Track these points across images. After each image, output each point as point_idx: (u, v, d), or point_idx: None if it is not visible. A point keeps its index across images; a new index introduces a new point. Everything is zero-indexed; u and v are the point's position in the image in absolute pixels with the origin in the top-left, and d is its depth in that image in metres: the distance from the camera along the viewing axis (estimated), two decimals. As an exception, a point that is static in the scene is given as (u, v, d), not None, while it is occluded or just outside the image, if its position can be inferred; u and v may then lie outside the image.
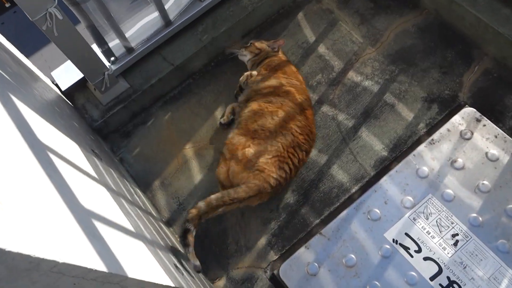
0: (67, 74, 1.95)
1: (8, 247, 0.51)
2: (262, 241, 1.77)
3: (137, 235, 1.20)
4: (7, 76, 1.22)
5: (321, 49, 2.13)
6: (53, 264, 0.60)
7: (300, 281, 1.65)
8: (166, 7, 1.89)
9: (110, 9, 1.70)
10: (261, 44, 1.99)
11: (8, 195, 0.62)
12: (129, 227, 1.18)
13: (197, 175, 1.92)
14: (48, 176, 0.89)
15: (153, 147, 1.99)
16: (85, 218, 0.90)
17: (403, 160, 1.82)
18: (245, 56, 2.01)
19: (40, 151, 0.98)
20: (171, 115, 2.05)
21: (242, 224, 1.82)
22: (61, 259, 0.62)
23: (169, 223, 1.85)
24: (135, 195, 1.68)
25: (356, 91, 2.01)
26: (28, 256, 0.55)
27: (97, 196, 1.13)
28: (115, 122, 2.00)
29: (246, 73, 1.93)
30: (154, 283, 1.01)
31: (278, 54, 2.00)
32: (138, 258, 1.04)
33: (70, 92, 1.96)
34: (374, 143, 1.90)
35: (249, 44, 2.01)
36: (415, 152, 1.82)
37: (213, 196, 1.64)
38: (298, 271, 1.67)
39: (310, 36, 2.16)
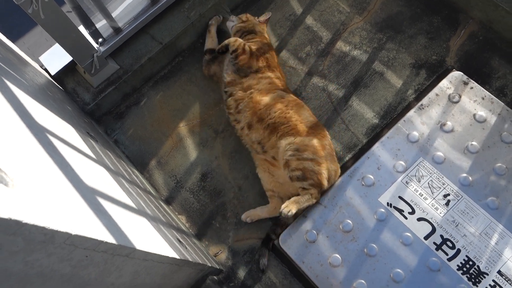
0: (55, 58, 1.93)
1: (25, 219, 0.53)
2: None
3: (140, 211, 1.23)
4: (-2, 61, 1.22)
5: (309, 20, 2.13)
6: (66, 236, 0.63)
7: (300, 248, 1.70)
8: (151, -16, 1.87)
9: (95, -11, 1.68)
10: (247, 17, 2.00)
11: (18, 173, 0.64)
12: (131, 204, 1.21)
13: (193, 153, 1.95)
14: (50, 156, 0.91)
15: (147, 127, 2.01)
16: (89, 195, 0.92)
17: (394, 126, 1.85)
18: (232, 22, 2.00)
19: (39, 132, 0.99)
20: (163, 94, 2.06)
21: (240, 197, 1.86)
22: (73, 231, 0.64)
23: (168, 201, 1.88)
24: (133, 175, 1.70)
25: (345, 61, 2.03)
26: (43, 228, 0.57)
27: (97, 176, 1.15)
28: (107, 104, 2.00)
29: (239, 41, 1.87)
30: (160, 255, 1.04)
31: (264, 32, 1.99)
32: (143, 233, 1.07)
33: (59, 77, 1.95)
34: (365, 112, 1.93)
35: (237, 18, 2.01)
36: (405, 118, 1.86)
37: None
38: (297, 239, 1.72)
39: (297, 8, 2.16)
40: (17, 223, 0.52)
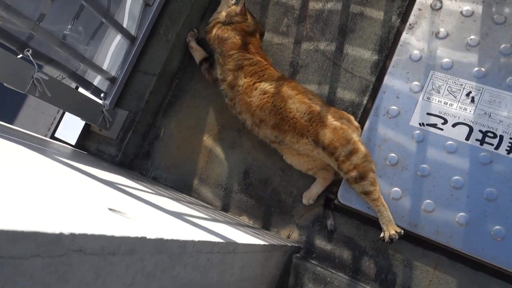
0: (69, 129, 2.02)
1: (166, 236, 0.61)
2: (311, 182, 1.89)
3: (215, 219, 1.31)
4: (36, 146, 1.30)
5: (274, -4, 2.20)
6: (193, 243, 0.71)
7: (359, 197, 1.77)
8: (125, 25, 1.94)
9: (80, 51, 1.76)
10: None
11: (129, 211, 0.72)
12: (206, 215, 1.29)
13: (226, 158, 2.03)
14: (136, 198, 0.99)
15: (175, 153, 2.09)
16: (177, 215, 1.00)
17: (394, 54, 1.92)
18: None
19: (114, 184, 1.07)
20: (176, 119, 2.14)
21: (287, 178, 1.94)
22: (196, 238, 0.72)
23: (224, 208, 1.97)
24: (187, 199, 1.79)
25: (323, 17, 2.10)
26: (178, 240, 0.65)
27: (169, 203, 1.23)
28: (132, 149, 2.08)
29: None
30: (254, 244, 1.12)
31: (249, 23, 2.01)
32: (230, 233, 1.15)
33: (80, 143, 2.04)
34: (362, 53, 2.00)
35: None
36: (400, 42, 1.92)
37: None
38: (354, 191, 1.79)
39: (259, -11, 2.23)
40: (161, 241, 0.60)
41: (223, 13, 2.04)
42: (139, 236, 0.56)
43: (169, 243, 0.63)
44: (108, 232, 0.50)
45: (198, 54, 2.11)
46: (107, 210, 0.66)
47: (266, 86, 1.80)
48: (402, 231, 1.63)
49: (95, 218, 0.57)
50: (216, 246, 0.83)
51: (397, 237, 1.62)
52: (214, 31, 1.96)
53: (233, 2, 2.12)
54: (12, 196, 0.54)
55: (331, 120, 1.74)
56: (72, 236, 0.45)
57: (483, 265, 1.64)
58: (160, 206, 1.01)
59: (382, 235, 1.65)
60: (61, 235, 0.44)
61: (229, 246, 0.91)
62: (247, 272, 1.13)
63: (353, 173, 1.68)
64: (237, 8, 1.98)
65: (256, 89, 1.80)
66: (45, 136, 2.11)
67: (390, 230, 1.63)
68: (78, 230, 0.46)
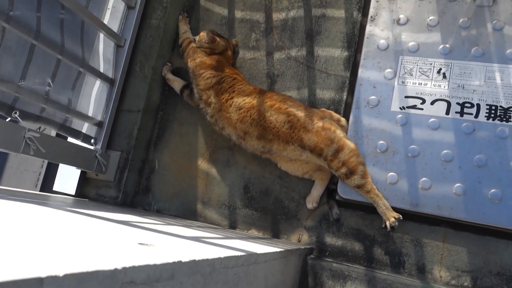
0: (65, 180, 2.05)
1: (197, 258, 0.66)
2: (311, 184, 1.95)
3: (228, 236, 1.35)
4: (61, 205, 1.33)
5: (238, 14, 2.27)
6: (220, 260, 0.76)
7: (359, 188, 1.84)
8: (101, 70, 1.99)
9: (64, 103, 1.80)
10: (198, 36, 2.10)
11: (153, 242, 0.77)
12: (219, 235, 1.34)
13: (224, 177, 2.07)
14: (156, 231, 1.03)
15: (174, 183, 2.13)
16: (195, 239, 1.05)
17: (363, 47, 2.00)
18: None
19: (133, 223, 1.11)
20: (168, 149, 2.18)
21: (286, 184, 1.99)
22: (221, 255, 0.77)
23: (232, 226, 2.01)
24: (195, 224, 1.83)
25: (289, 25, 2.18)
26: (207, 260, 0.70)
27: (183, 230, 1.27)
28: (130, 187, 2.11)
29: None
30: (273, 252, 1.17)
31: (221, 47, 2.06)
32: (248, 246, 1.20)
33: (80, 192, 2.06)
34: (332, 52, 2.08)
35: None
36: (366, 35, 2.01)
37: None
38: (352, 183, 1.85)
39: (222, 11, 2.30)
40: (194, 262, 0.65)
41: (188, 32, 2.17)
42: (176, 260, 0.61)
43: (200, 263, 0.68)
44: (151, 262, 0.55)
45: (176, 84, 2.17)
46: (138, 245, 0.70)
47: (239, 101, 1.86)
48: (400, 215, 1.70)
49: (134, 252, 0.62)
50: (240, 259, 0.88)
51: (397, 223, 1.69)
52: (187, 50, 2.07)
53: (188, 20, 2.24)
54: (64, 244, 0.59)
55: (312, 123, 1.79)
56: (124, 270, 0.49)
57: (488, 229, 1.71)
58: (176, 233, 1.05)
59: (383, 225, 1.73)
60: (115, 270, 0.48)
61: (251, 257, 0.96)
62: (270, 280, 1.18)
63: (343, 170, 1.74)
64: (206, 38, 2.02)
65: (230, 105, 1.86)
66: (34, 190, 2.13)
67: (390, 218, 1.70)
68: (127, 264, 0.50)
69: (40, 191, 4.08)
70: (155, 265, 0.55)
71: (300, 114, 1.81)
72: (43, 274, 0.39)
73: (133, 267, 0.50)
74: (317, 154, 1.76)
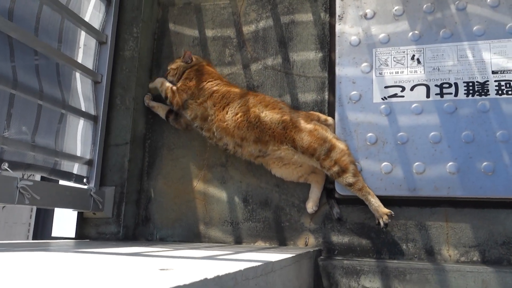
0: (63, 224, 2.02)
1: (220, 273, 0.67)
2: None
3: (239, 252, 1.36)
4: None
5: (209, 33, 2.30)
6: (241, 273, 0.77)
7: (356, 183, 1.86)
8: (83, 108, 1.99)
9: (51, 147, 1.79)
10: (175, 64, 2.11)
11: (171, 267, 0.77)
12: (230, 251, 1.34)
13: (222, 194, 2.08)
14: (173, 258, 1.03)
15: (173, 208, 2.12)
16: (209, 257, 1.05)
17: (336, 46, 2.05)
18: (172, 81, 2.12)
19: (145, 255, 1.11)
20: (161, 176, 2.18)
21: (284, 191, 2.00)
22: (241, 267, 0.78)
23: (238, 241, 2.01)
24: (203, 244, 1.82)
25: (260, 36, 2.22)
26: (229, 274, 0.71)
27: (191, 253, 1.27)
28: (130, 220, 2.10)
29: (165, 87, 2.08)
30: (286, 259, 1.18)
31: (196, 62, 2.10)
32: (261, 256, 1.20)
33: (79, 233, 2.04)
34: (307, 55, 2.12)
35: (168, 71, 2.13)
36: (337, 34, 2.06)
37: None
38: (348, 179, 1.87)
39: (193, 32, 2.33)
40: (218, 278, 0.65)
41: (165, 82, 2.12)
42: (202, 278, 0.61)
43: (224, 278, 0.68)
44: (180, 283, 0.55)
45: (161, 110, 2.17)
46: (159, 271, 0.70)
47: (235, 106, 1.89)
48: (392, 212, 1.74)
49: (159, 277, 0.62)
50: (258, 269, 0.88)
51: (389, 220, 1.73)
52: (175, 93, 2.03)
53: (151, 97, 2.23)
54: (95, 276, 0.59)
55: (304, 124, 1.83)
56: (158, 294, 0.50)
57: (487, 201, 1.75)
58: (188, 256, 1.05)
59: (377, 222, 1.77)
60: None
61: (267, 266, 0.96)
62: (288, 287, 1.18)
63: (335, 168, 1.77)
64: (183, 58, 2.06)
65: (227, 113, 1.89)
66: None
67: (383, 216, 1.74)
68: (159, 287, 0.51)
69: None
70: (185, 286, 0.55)
71: (291, 115, 1.86)
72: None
73: (167, 292, 0.51)
74: (309, 154, 1.79)
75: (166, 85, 2.09)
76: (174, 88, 2.05)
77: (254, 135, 1.85)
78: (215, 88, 1.97)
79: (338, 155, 1.78)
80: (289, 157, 1.85)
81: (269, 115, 1.85)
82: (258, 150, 1.87)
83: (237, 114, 1.87)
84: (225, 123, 1.88)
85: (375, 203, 1.76)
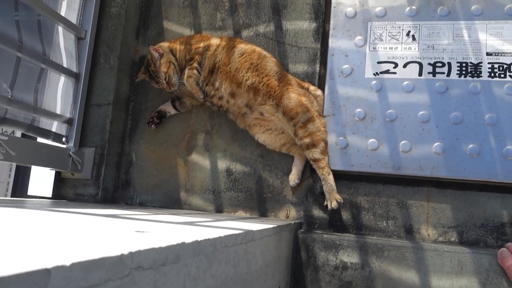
0: (41, 183, 1.97)
1: (199, 238, 0.63)
2: (292, 159, 1.94)
3: (219, 219, 1.33)
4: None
5: (201, -5, 2.21)
6: (220, 239, 0.74)
7: (341, 158, 1.84)
8: (65, 65, 1.90)
9: (29, 102, 1.71)
10: (164, 65, 1.91)
11: (148, 229, 0.74)
12: (211, 219, 1.31)
13: (205, 162, 2.04)
14: (151, 220, 1.00)
15: (154, 173, 2.08)
16: (189, 223, 1.02)
17: (330, 17, 1.99)
18: (176, 83, 1.95)
19: (127, 216, 1.07)
20: (143, 140, 2.12)
21: (269, 162, 1.98)
22: (222, 234, 0.75)
23: (218, 210, 1.99)
24: (183, 211, 1.79)
25: (253, 1, 2.14)
26: (209, 240, 0.68)
27: (171, 218, 1.24)
28: (109, 183, 2.05)
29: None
30: (267, 229, 1.16)
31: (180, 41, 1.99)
32: (242, 225, 1.18)
33: (57, 193, 1.99)
34: (300, 25, 2.06)
35: (165, 77, 1.91)
36: (333, 4, 2.00)
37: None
38: (334, 154, 1.86)
39: (184, -7, 2.23)
40: (196, 243, 0.62)
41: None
42: (180, 242, 0.58)
43: (203, 244, 0.65)
44: (156, 245, 0.52)
45: (168, 107, 2.09)
46: (135, 232, 0.67)
47: (242, 46, 1.92)
48: (342, 199, 1.77)
49: (134, 239, 0.59)
50: (239, 237, 0.86)
51: (337, 206, 1.76)
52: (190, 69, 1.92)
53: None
54: (63, 237, 0.56)
55: (296, 86, 1.86)
56: (131, 254, 0.46)
57: (469, 183, 1.75)
58: (167, 220, 1.02)
59: (325, 203, 1.79)
60: (122, 255, 0.45)
61: (248, 235, 0.94)
62: (267, 257, 1.17)
63: (307, 140, 1.78)
64: (157, 57, 1.91)
65: (234, 53, 1.89)
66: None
67: (332, 200, 1.77)
68: (133, 248, 0.48)
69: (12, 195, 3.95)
70: (160, 248, 0.52)
71: (289, 75, 1.92)
72: (49, 265, 0.36)
73: (139, 252, 0.47)
74: (289, 117, 1.80)
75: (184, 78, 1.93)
76: (188, 67, 1.91)
77: (250, 79, 1.84)
78: (219, 40, 1.96)
79: (314, 129, 1.80)
80: (270, 112, 1.85)
81: (270, 64, 1.89)
82: (246, 102, 1.87)
83: (243, 54, 1.88)
84: (229, 66, 1.87)
85: (331, 186, 1.78)
